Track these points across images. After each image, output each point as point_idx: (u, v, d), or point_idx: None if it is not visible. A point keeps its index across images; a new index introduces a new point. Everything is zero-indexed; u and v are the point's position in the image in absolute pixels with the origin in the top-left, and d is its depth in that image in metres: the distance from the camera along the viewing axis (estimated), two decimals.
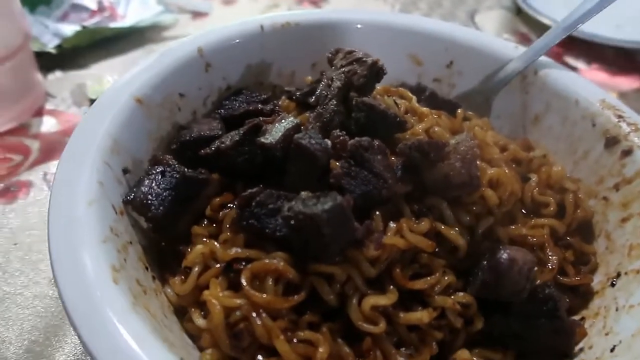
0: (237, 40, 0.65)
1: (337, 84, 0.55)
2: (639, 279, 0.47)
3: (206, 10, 1.11)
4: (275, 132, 0.49)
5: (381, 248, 0.45)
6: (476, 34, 0.71)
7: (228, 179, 0.53)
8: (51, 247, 0.39)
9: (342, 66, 0.58)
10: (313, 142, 0.47)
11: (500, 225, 0.52)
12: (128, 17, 1.01)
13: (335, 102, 0.54)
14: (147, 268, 0.47)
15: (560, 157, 0.62)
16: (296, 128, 0.50)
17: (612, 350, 0.43)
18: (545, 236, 0.52)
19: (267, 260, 0.43)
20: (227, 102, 0.63)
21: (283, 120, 0.51)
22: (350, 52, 0.58)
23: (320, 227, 0.40)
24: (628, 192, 0.53)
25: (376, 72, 0.57)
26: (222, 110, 0.62)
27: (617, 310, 0.47)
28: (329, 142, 0.49)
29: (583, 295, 0.52)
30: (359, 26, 0.70)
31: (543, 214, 0.55)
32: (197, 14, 1.10)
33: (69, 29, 0.92)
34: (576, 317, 0.51)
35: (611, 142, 0.57)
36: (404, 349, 0.45)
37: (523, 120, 0.67)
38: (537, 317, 0.46)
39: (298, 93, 0.60)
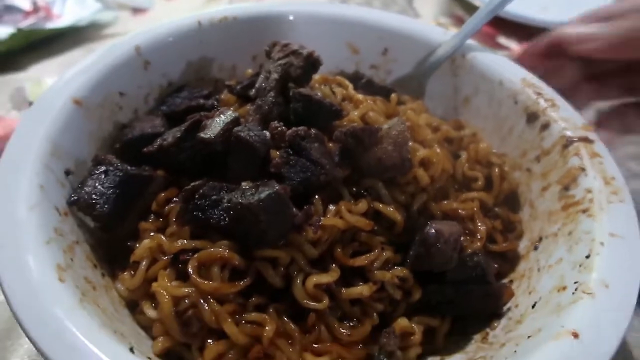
0: (175, 37, 0.65)
1: (275, 76, 0.58)
2: (557, 241, 0.52)
3: (147, 6, 1.10)
4: (214, 127, 0.51)
5: (320, 230, 0.47)
6: (408, 21, 0.74)
7: (172, 175, 0.55)
8: None
9: (279, 59, 0.60)
10: (252, 134, 0.49)
11: (434, 201, 0.56)
12: (65, 16, 0.99)
13: (273, 94, 0.56)
14: (95, 266, 0.48)
15: (489, 135, 0.66)
16: (235, 121, 0.52)
17: (533, 306, 0.48)
18: (475, 208, 0.56)
19: (212, 250, 0.45)
20: (169, 98, 0.64)
21: (222, 115, 0.53)
22: (286, 45, 0.61)
23: (257, 215, 0.43)
24: (547, 163, 0.58)
25: (312, 63, 0.59)
26: (164, 107, 0.63)
27: (538, 270, 0.52)
28: (268, 134, 0.51)
29: (511, 260, 0.56)
30: (295, 18, 0.72)
31: (473, 188, 0.59)
32: (137, 10, 1.09)
33: (3, 31, 0.89)
34: (505, 280, 0.55)
35: (531, 117, 0.61)
36: (347, 322, 0.48)
37: (455, 102, 0.70)
38: (467, 283, 0.50)
39: (238, 87, 0.62)
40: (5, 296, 0.38)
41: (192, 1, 1.13)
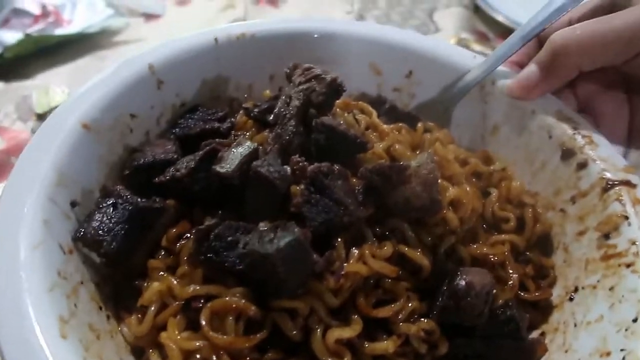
0: (191, 54, 0.62)
1: (296, 102, 0.54)
2: (595, 294, 0.48)
3: (159, 12, 1.07)
4: (232, 160, 0.48)
5: (342, 279, 0.44)
6: (435, 43, 0.70)
7: (184, 206, 0.51)
8: None
9: (300, 83, 0.56)
10: (272, 169, 0.46)
11: (462, 243, 0.52)
12: (75, 22, 0.96)
13: (294, 123, 0.52)
14: (100, 308, 0.45)
15: (519, 168, 0.62)
16: (253, 154, 0.49)
17: None
18: (506, 253, 0.52)
19: (227, 298, 0.42)
20: (182, 120, 0.61)
21: (240, 146, 0.50)
22: (309, 69, 0.57)
23: (275, 265, 0.40)
24: (584, 205, 0.54)
25: (335, 89, 0.56)
26: (177, 130, 0.60)
27: (575, 326, 0.48)
28: (289, 169, 0.47)
29: (543, 310, 0.53)
30: (316, 36, 0.68)
31: (503, 229, 0.55)
32: (149, 16, 1.06)
33: (11, 36, 0.87)
34: (537, 332, 0.52)
35: (567, 154, 0.57)
36: None
37: (482, 130, 0.67)
38: (499, 338, 0.47)
39: (256, 110, 0.58)
40: (1, 353, 0.34)
41: (206, 7, 1.10)
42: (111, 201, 0.48)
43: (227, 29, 0.66)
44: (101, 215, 0.47)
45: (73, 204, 0.47)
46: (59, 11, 0.97)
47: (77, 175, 0.49)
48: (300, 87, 0.56)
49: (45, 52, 0.91)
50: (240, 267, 0.43)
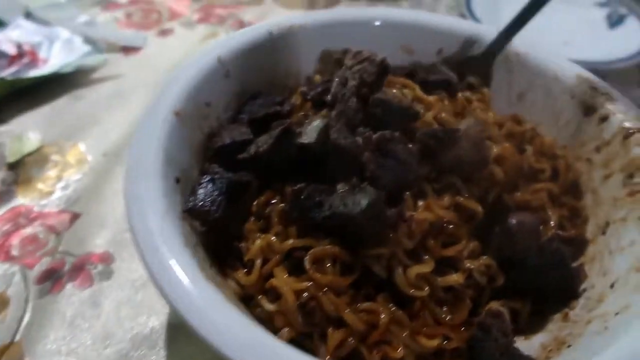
0: (251, 46, 0.70)
1: (353, 82, 0.62)
2: (625, 225, 0.56)
3: (140, 45, 1.02)
4: (310, 132, 0.55)
5: (414, 225, 0.52)
6: (460, 22, 0.78)
7: (265, 179, 0.59)
8: (145, 259, 0.45)
9: (352, 65, 0.64)
10: (348, 140, 0.54)
11: (506, 192, 0.60)
12: (51, 61, 0.92)
13: (355, 100, 0.60)
14: (210, 266, 0.53)
15: (545, 127, 0.70)
16: (327, 127, 0.57)
17: (611, 286, 0.52)
18: (545, 198, 0.61)
19: (326, 247, 0.49)
20: (246, 107, 0.69)
21: (312, 123, 0.57)
22: (359, 52, 0.65)
23: (360, 224, 0.48)
24: (608, 153, 0.63)
25: (384, 68, 0.64)
26: (244, 115, 0.67)
27: (610, 253, 0.56)
28: (360, 139, 0.55)
29: (579, 245, 0.61)
30: (355, 23, 0.76)
31: (540, 179, 0.63)
32: (129, 50, 1.01)
33: None
34: (576, 263, 0.60)
35: (589, 110, 0.66)
36: (444, 308, 0.53)
37: (509, 98, 0.75)
38: (548, 268, 0.55)
39: (312, 92, 0.66)
40: (164, 294, 0.42)
41: (187, 38, 1.06)
42: (209, 178, 0.56)
43: (279, 23, 0.73)
44: (203, 189, 0.55)
45: (177, 180, 0.55)
46: (35, 50, 0.93)
47: (176, 155, 0.56)
48: (354, 68, 0.63)
49: (20, 94, 0.86)
50: (330, 223, 0.51)
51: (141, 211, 0.48)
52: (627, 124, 0.62)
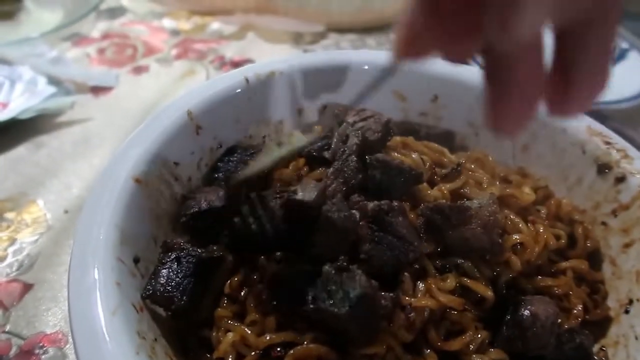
0: (225, 96, 0.63)
1: (355, 140, 0.55)
2: None
3: (111, 84, 0.92)
4: (309, 191, 0.47)
5: (413, 313, 0.45)
6: (458, 67, 0.72)
7: (240, 251, 0.52)
8: None
9: (355, 122, 0.57)
10: (342, 215, 0.46)
11: (524, 275, 0.52)
12: (11, 105, 0.81)
13: (355, 159, 0.53)
14: None
15: (553, 184, 0.64)
16: (323, 191, 0.49)
17: None
18: (570, 283, 0.53)
19: (310, 345, 0.42)
20: (221, 163, 0.61)
21: (306, 185, 0.49)
22: (362, 110, 0.58)
23: (347, 324, 0.41)
24: (627, 218, 0.56)
25: (389, 129, 0.58)
26: (220, 174, 0.60)
27: (636, 339, 0.49)
28: (357, 214, 0.48)
29: (600, 324, 0.54)
30: (343, 68, 0.69)
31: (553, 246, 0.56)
32: (98, 90, 0.91)
33: None
34: (596, 346, 0.53)
35: (603, 168, 0.59)
36: None
37: (512, 149, 0.68)
38: None
39: (314, 151, 0.58)
40: None
41: (163, 75, 0.97)
42: (174, 255, 0.48)
43: (254, 69, 0.66)
44: (167, 270, 0.47)
45: (136, 260, 0.47)
46: None
47: (135, 230, 0.49)
48: (357, 125, 0.57)
49: None
50: (314, 317, 0.43)
51: (86, 309, 0.40)
52: None
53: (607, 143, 0.60)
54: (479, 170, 0.57)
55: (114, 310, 0.40)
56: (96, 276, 0.42)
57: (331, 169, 0.52)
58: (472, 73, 0.71)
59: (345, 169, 0.52)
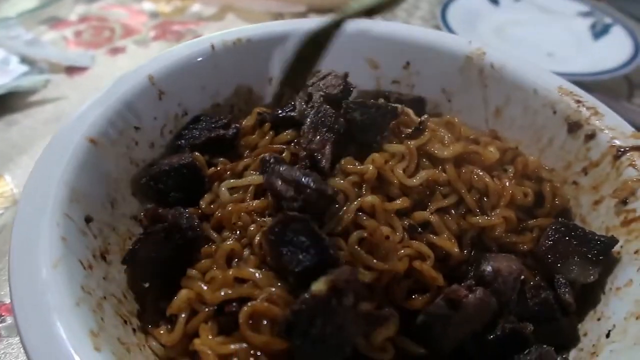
0: (189, 63, 0.61)
1: (319, 94, 0.55)
2: (621, 259, 0.48)
3: (86, 64, 0.91)
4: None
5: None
6: (429, 33, 0.71)
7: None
8: (18, 320, 0.36)
9: (314, 83, 0.57)
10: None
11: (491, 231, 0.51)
12: None
13: (328, 107, 0.52)
14: (125, 322, 0.44)
15: (526, 147, 0.62)
16: None
17: (607, 335, 0.44)
18: (535, 240, 0.52)
19: (265, 304, 0.40)
20: (186, 131, 0.60)
21: None
22: (318, 71, 0.58)
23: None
24: (597, 175, 0.55)
25: (348, 82, 0.58)
26: (183, 141, 0.59)
27: (604, 293, 0.48)
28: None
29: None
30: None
31: (521, 204, 0.54)
32: (73, 70, 0.90)
33: None
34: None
35: (574, 127, 0.58)
36: None
37: (485, 114, 0.67)
38: (534, 321, 0.46)
39: (280, 112, 0.58)
40: None
41: (139, 56, 0.97)
42: (156, 226, 0.47)
43: (222, 36, 0.65)
44: (147, 240, 0.47)
45: (87, 220, 0.46)
46: None
47: (88, 190, 0.48)
48: (316, 84, 0.56)
49: None
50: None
51: (26, 260, 0.39)
52: (617, 142, 0.54)
53: (578, 101, 0.58)
54: (442, 130, 0.56)
55: (56, 263, 0.39)
56: (40, 229, 0.41)
57: (306, 126, 0.51)
58: (445, 39, 0.70)
59: (324, 119, 0.51)
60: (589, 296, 0.49)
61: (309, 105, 0.55)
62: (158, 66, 0.59)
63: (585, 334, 0.47)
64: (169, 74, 0.60)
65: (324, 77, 0.55)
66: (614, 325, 0.44)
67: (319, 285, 0.37)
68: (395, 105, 0.53)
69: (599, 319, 0.46)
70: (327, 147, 0.50)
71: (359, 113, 0.51)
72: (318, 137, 0.51)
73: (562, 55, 1.02)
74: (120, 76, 0.57)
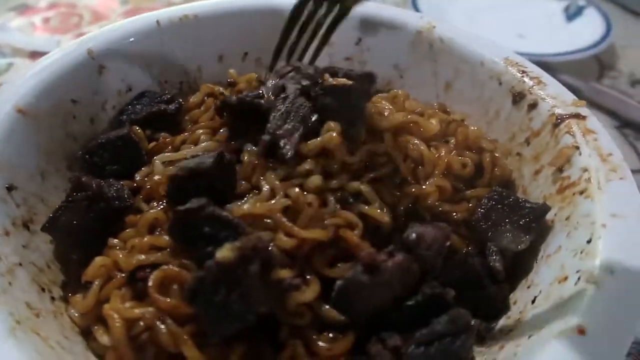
0: (133, 39, 0.61)
1: (296, 86, 0.53)
2: (554, 227, 0.47)
3: (51, 50, 0.92)
4: None
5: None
6: (383, 9, 0.70)
7: None
8: None
9: (287, 74, 0.56)
10: None
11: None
12: None
13: (304, 99, 0.51)
14: (43, 289, 0.44)
15: (475, 120, 0.61)
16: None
17: (532, 301, 0.43)
18: (471, 211, 0.50)
19: (175, 269, 0.40)
20: (129, 107, 0.60)
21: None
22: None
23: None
24: (538, 145, 0.53)
25: (318, 73, 0.57)
26: (124, 116, 0.59)
27: (536, 262, 0.47)
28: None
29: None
30: (257, 12, 0.68)
31: (460, 175, 0.54)
32: (37, 55, 0.87)
33: None
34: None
35: (518, 97, 0.57)
36: (328, 332, 0.42)
37: (436, 89, 0.66)
38: (460, 288, 0.45)
39: (247, 96, 0.56)
40: None
41: None
42: (79, 194, 0.47)
43: (169, 12, 0.65)
44: (70, 207, 0.46)
45: (9, 188, 0.46)
46: None
47: (14, 159, 0.48)
48: (289, 75, 0.55)
49: None
50: None
51: None
52: (558, 111, 0.52)
53: (523, 72, 0.57)
54: (382, 102, 0.55)
55: None
56: None
57: (277, 113, 0.50)
58: (396, 14, 0.69)
59: (298, 110, 0.50)
60: (521, 265, 0.48)
61: (282, 96, 0.53)
62: (99, 41, 0.59)
63: (515, 302, 0.46)
64: (111, 49, 0.59)
65: (298, 69, 0.54)
66: (540, 291, 0.43)
67: (223, 252, 0.37)
68: (366, 87, 0.52)
69: (529, 287, 0.45)
70: (295, 136, 0.49)
71: (329, 98, 0.50)
72: (287, 125, 0.50)
73: (534, 37, 1.00)
74: (59, 49, 0.57)
